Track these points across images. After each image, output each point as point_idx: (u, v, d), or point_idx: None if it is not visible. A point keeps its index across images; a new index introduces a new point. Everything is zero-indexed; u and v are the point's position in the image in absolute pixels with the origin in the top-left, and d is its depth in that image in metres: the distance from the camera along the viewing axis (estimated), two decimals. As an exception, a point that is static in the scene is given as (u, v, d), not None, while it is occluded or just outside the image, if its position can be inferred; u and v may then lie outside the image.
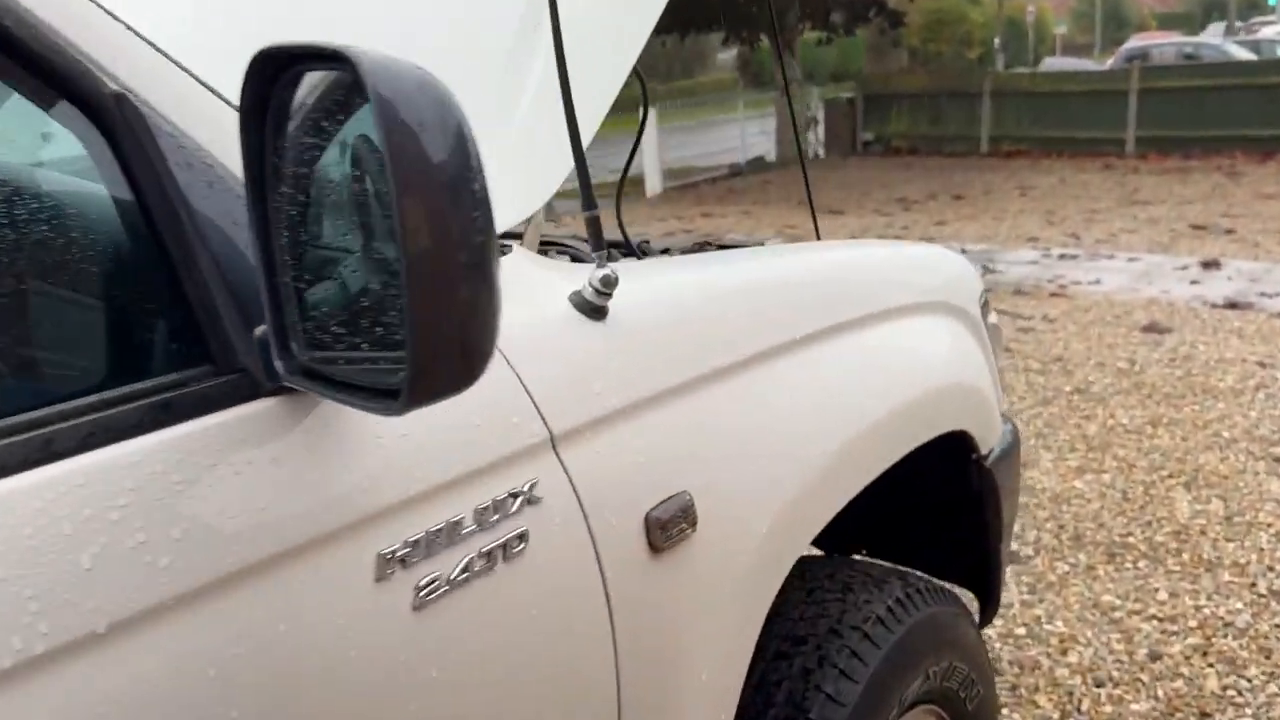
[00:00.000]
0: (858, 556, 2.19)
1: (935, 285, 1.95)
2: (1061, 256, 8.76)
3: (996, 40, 34.66)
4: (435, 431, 0.99)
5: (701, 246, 2.08)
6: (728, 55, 33.38)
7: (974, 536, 2.09)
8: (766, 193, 14.07)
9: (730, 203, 13.45)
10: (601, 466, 1.15)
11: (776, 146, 17.23)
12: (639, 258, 1.81)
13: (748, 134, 16.91)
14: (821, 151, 17.74)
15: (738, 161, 16.57)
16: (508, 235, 1.61)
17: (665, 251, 2.21)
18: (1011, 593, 3.36)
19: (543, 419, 1.10)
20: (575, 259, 1.79)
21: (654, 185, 14.87)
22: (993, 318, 2.14)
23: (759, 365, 1.42)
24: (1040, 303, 7.17)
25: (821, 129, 17.94)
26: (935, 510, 2.13)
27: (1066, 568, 3.54)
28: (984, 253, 9.04)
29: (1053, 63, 29.84)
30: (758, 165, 16.44)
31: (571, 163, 1.28)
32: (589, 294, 1.21)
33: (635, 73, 1.88)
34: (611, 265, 1.22)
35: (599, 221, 1.20)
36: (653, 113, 12.36)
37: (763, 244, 2.19)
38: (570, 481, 1.11)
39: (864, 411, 1.58)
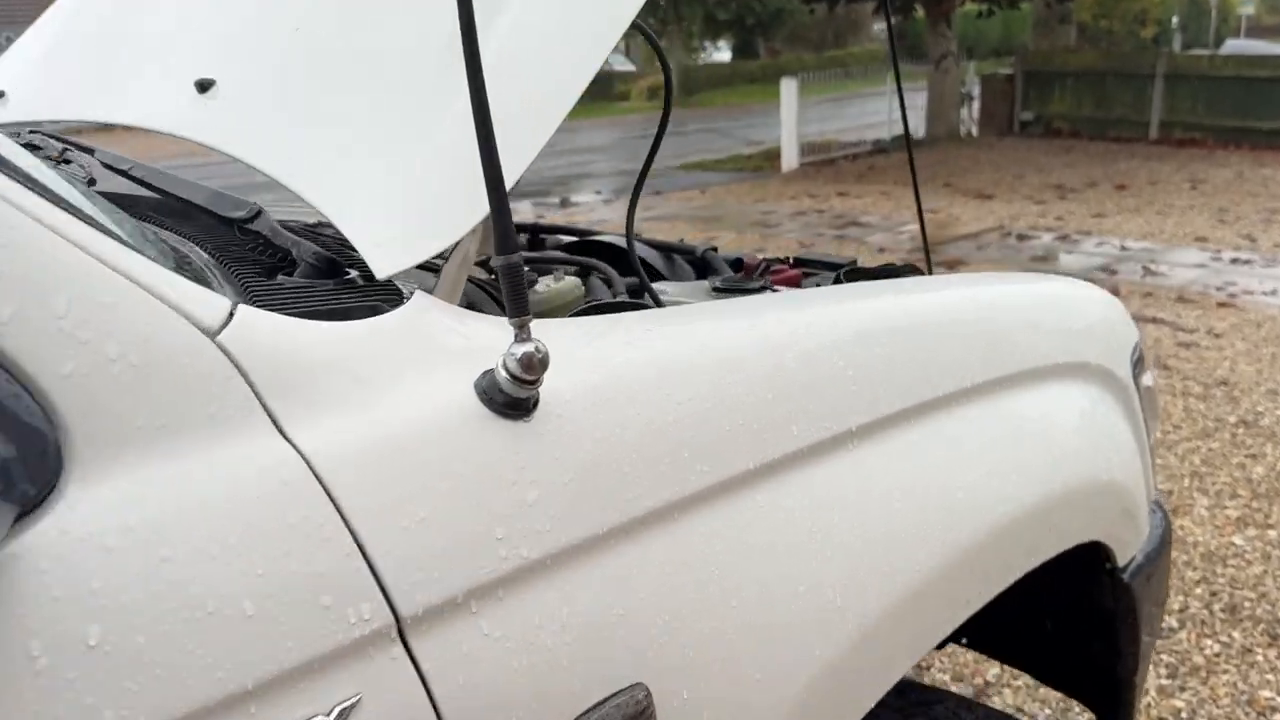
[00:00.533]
0: (946, 676, 1.73)
1: (1073, 340, 1.45)
2: (1234, 261, 7.90)
3: (1175, 19, 32.53)
4: (153, 639, 0.59)
5: (766, 266, 1.63)
6: (883, 26, 32.18)
7: (1103, 656, 1.62)
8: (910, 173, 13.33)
9: (870, 181, 12.75)
10: (490, 659, 0.73)
11: (926, 123, 16.36)
12: (657, 299, 1.37)
13: (895, 109, 16.04)
14: (975, 130, 16.82)
15: (883, 138, 15.75)
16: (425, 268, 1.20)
17: (738, 264, 1.78)
18: (1148, 674, 2.82)
19: (384, 594, 0.68)
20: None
21: (790, 160, 14.23)
22: (1148, 378, 1.63)
23: (781, 474, 0.96)
24: (1206, 313, 6.40)
25: (976, 106, 16.99)
26: (1054, 619, 1.66)
27: (1217, 647, 2.97)
28: (1145, 251, 8.25)
29: (1235, 45, 27.83)
30: (904, 143, 15.60)
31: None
32: (502, 380, 0.78)
33: (658, 53, 1.46)
34: (542, 334, 0.78)
35: (519, 270, 0.77)
36: (793, 84, 11.77)
37: (853, 262, 1.73)
38: (427, 691, 0.70)
39: (953, 533, 1.10)
